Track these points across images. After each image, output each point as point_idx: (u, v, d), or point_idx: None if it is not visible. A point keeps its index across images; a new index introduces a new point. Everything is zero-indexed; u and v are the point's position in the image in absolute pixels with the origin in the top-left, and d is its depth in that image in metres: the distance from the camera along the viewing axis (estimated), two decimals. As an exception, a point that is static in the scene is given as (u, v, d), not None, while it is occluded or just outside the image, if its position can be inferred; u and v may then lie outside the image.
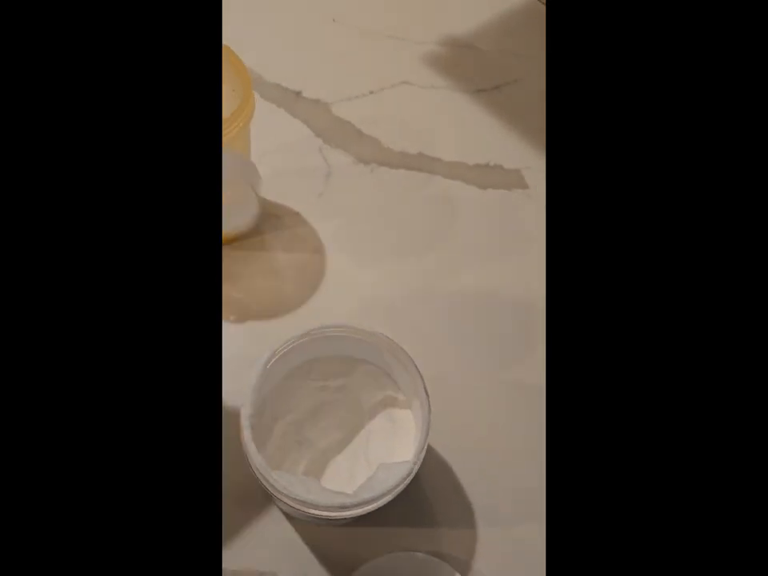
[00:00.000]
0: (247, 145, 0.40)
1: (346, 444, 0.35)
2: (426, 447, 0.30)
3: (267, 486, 0.29)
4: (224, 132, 0.35)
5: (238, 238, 0.46)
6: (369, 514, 0.36)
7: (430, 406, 0.31)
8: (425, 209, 0.50)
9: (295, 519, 0.37)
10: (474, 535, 0.38)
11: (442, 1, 0.61)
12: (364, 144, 0.52)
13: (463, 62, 0.57)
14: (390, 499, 0.29)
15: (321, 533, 0.37)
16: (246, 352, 0.37)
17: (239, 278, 0.45)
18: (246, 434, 0.29)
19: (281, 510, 0.37)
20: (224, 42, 0.35)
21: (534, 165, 0.52)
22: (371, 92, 0.55)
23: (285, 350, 0.32)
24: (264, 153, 0.48)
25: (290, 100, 0.53)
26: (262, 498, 0.37)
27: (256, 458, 0.29)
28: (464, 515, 0.38)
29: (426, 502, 0.38)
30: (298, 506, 0.29)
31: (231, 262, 0.45)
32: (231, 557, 0.35)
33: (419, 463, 0.30)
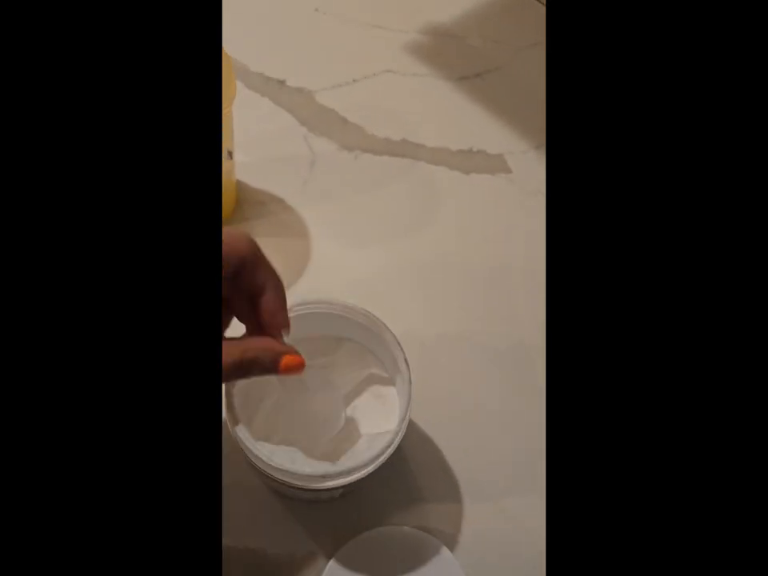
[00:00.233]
0: (230, 129, 0.40)
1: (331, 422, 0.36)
2: (408, 417, 0.31)
3: (252, 459, 0.29)
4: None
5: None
6: (355, 490, 0.37)
7: (410, 376, 0.31)
8: (409, 194, 0.50)
9: (284, 497, 0.37)
10: (460, 509, 0.38)
11: (423, -10, 0.62)
12: (348, 131, 0.52)
13: (445, 50, 0.58)
14: (372, 469, 0.30)
15: (309, 510, 0.37)
16: (232, 334, 0.38)
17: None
18: (231, 410, 0.30)
19: (270, 487, 0.37)
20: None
21: (516, 150, 0.53)
22: (355, 80, 0.55)
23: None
24: (249, 141, 0.48)
25: (274, 89, 0.54)
26: (251, 477, 0.37)
27: (240, 432, 0.29)
28: (450, 489, 0.39)
29: (411, 477, 0.39)
30: (282, 477, 0.29)
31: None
32: (222, 534, 0.36)
33: (402, 433, 0.30)
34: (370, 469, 0.30)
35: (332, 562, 0.35)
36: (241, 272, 0.27)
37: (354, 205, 0.49)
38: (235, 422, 0.29)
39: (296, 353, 0.28)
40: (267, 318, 0.28)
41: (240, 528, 0.36)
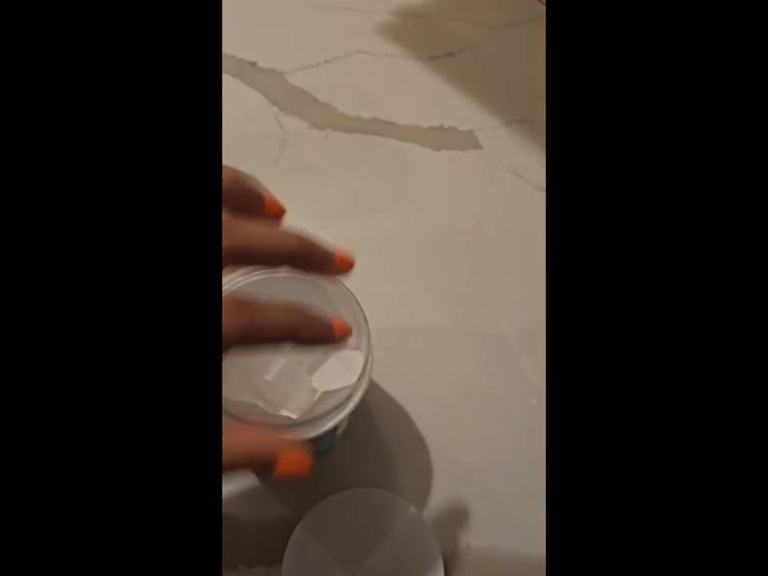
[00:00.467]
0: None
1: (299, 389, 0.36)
2: (369, 371, 0.31)
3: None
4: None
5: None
6: (325, 454, 0.37)
7: (369, 331, 0.32)
8: (380, 171, 0.51)
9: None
10: (430, 474, 0.39)
11: (395, -27, 0.62)
12: (319, 111, 0.53)
13: (416, 31, 0.58)
14: (335, 423, 0.30)
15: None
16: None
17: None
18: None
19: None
20: None
21: (487, 126, 0.54)
22: (326, 61, 0.56)
23: (229, 290, 0.33)
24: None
25: (246, 70, 0.54)
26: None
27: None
28: (420, 456, 0.39)
29: (383, 444, 0.39)
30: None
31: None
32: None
33: (363, 388, 0.31)
34: (332, 423, 0.30)
35: (300, 525, 0.35)
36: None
37: (325, 182, 0.50)
38: None
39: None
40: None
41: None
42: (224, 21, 0.56)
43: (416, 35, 0.58)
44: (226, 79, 0.53)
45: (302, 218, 0.47)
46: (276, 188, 0.49)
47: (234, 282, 0.33)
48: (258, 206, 0.27)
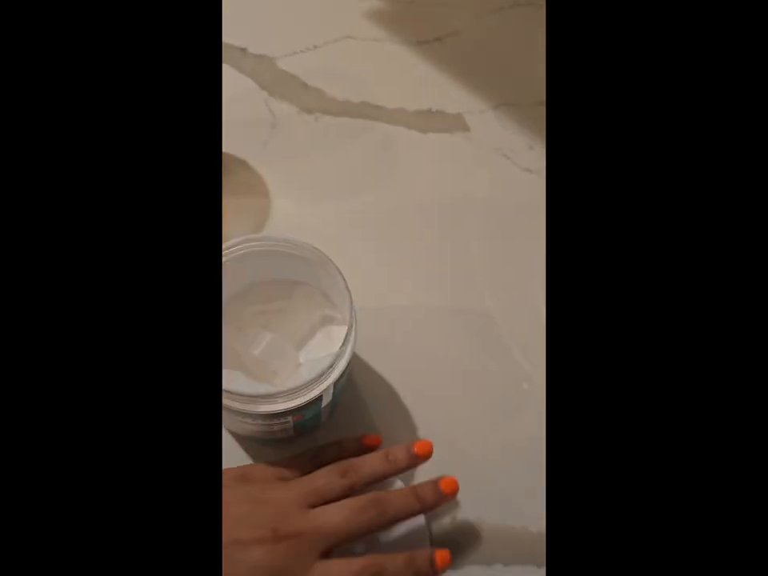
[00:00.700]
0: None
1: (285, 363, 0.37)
2: (352, 341, 0.32)
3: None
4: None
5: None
6: (311, 428, 0.38)
7: (351, 300, 0.32)
8: (368, 154, 0.51)
9: (241, 439, 0.38)
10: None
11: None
12: (308, 95, 0.53)
13: (404, 16, 0.59)
14: (317, 393, 0.31)
15: (266, 450, 0.38)
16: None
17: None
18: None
19: (226, 429, 0.38)
20: None
21: (475, 109, 0.54)
22: (315, 46, 0.56)
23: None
24: (209, 105, 0.49)
25: (236, 56, 0.55)
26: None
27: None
28: (406, 431, 0.40)
29: (369, 419, 0.40)
30: (226, 401, 0.30)
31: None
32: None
33: (345, 356, 0.31)
34: (316, 392, 0.31)
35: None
36: None
37: (314, 165, 0.50)
38: None
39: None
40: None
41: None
42: (213, 7, 0.57)
43: (404, 20, 0.58)
44: (216, 64, 0.54)
45: (292, 199, 0.48)
46: (267, 170, 0.49)
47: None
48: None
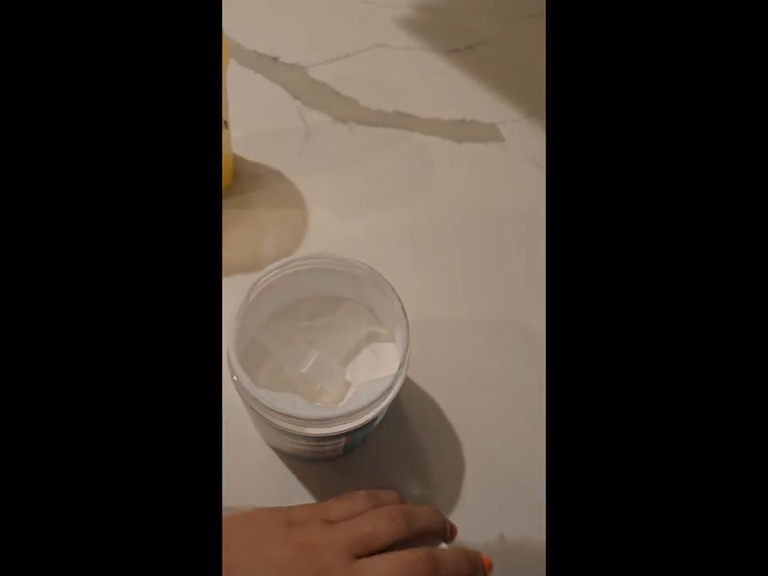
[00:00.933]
0: (224, 97, 0.41)
1: (333, 381, 0.36)
2: (407, 362, 0.31)
3: (254, 406, 0.30)
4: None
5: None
6: (357, 447, 0.37)
7: (407, 322, 0.32)
8: (403, 164, 0.51)
9: (286, 456, 0.38)
10: (462, 467, 0.39)
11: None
12: (342, 104, 0.53)
13: (435, 24, 0.58)
14: (375, 414, 0.30)
15: (310, 468, 0.38)
16: (233, 305, 0.38)
17: (224, 235, 0.46)
18: (232, 357, 0.30)
19: (272, 446, 0.38)
20: None
21: (508, 119, 0.54)
22: (347, 55, 0.56)
23: (267, 282, 0.33)
24: (244, 117, 0.49)
25: (268, 65, 0.54)
26: (252, 437, 0.38)
27: (242, 377, 0.30)
28: (452, 449, 0.39)
29: (413, 436, 0.39)
30: (284, 424, 0.30)
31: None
32: (225, 495, 0.36)
33: (402, 377, 0.31)
34: (373, 413, 0.30)
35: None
36: None
37: (349, 175, 0.50)
38: (235, 372, 0.30)
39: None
40: None
41: (241, 488, 0.37)
42: (245, 17, 0.56)
43: (435, 28, 0.58)
44: (249, 74, 0.54)
45: (329, 210, 0.48)
46: (302, 180, 0.49)
47: (271, 273, 0.33)
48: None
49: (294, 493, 0.37)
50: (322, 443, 0.32)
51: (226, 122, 0.43)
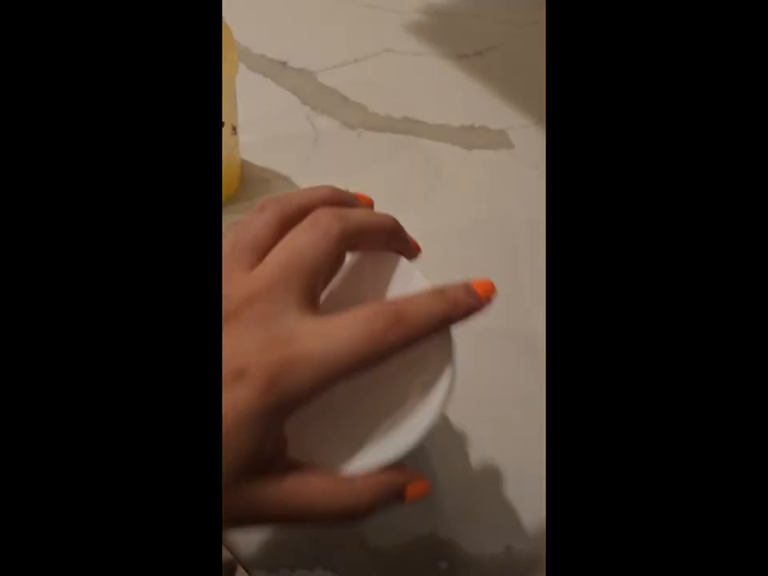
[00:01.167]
0: (233, 102, 0.41)
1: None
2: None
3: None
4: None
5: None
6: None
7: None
8: (411, 170, 0.51)
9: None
10: (469, 478, 0.38)
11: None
12: (350, 110, 0.53)
13: (444, 29, 0.58)
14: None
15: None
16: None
17: (231, 240, 0.46)
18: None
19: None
20: None
21: (517, 125, 0.53)
22: (356, 60, 0.56)
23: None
24: (252, 121, 0.49)
25: (276, 70, 0.54)
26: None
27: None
28: (459, 453, 0.39)
29: (418, 449, 0.39)
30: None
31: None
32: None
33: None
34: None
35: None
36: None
37: (357, 181, 0.50)
38: None
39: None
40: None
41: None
42: (254, 21, 0.56)
43: (444, 34, 0.58)
44: (257, 79, 0.53)
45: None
46: (309, 185, 0.49)
47: None
48: (353, 199, 0.29)
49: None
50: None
51: (234, 128, 0.42)
